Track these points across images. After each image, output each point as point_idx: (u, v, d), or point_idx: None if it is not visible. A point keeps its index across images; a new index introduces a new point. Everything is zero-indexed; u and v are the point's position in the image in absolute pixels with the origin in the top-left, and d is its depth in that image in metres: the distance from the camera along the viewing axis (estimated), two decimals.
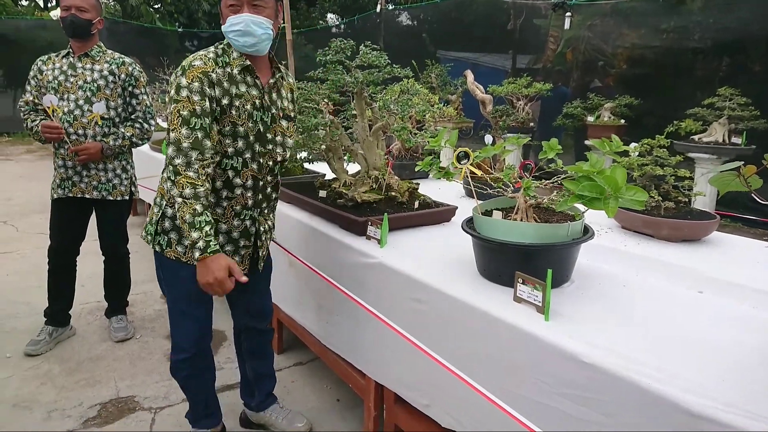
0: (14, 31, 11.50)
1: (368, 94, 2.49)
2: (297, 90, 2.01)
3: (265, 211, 1.95)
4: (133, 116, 2.79)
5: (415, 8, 10.05)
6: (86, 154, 2.61)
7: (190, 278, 1.77)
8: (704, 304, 1.50)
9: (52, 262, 2.83)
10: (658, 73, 5.95)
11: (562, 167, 1.62)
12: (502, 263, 1.53)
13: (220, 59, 1.69)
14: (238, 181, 1.77)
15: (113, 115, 2.70)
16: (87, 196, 2.72)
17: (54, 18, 13.66)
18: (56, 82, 2.63)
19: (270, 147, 1.81)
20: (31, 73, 2.70)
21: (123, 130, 2.72)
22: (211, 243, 1.59)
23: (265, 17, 1.67)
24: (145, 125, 2.80)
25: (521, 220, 1.56)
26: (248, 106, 1.72)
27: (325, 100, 2.55)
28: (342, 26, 13.17)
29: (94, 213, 2.86)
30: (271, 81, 1.80)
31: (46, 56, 2.73)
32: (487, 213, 1.67)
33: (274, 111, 1.81)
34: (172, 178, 1.59)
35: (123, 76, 2.71)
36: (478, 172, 1.67)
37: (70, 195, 2.71)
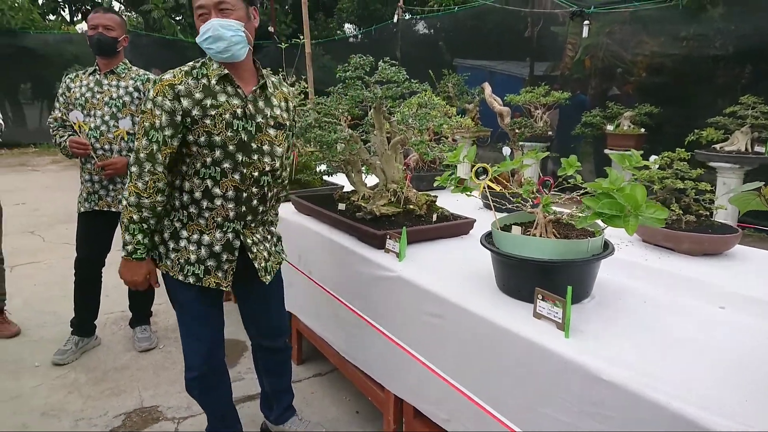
0: (42, 46, 11.85)
1: (386, 108, 2.52)
2: (295, 98, 1.97)
3: (252, 225, 1.87)
4: None
5: (432, 17, 10.10)
6: (112, 168, 2.68)
7: (190, 300, 1.84)
8: (726, 319, 1.48)
9: (79, 274, 2.91)
10: (678, 80, 5.88)
11: (581, 182, 1.62)
12: (521, 279, 1.53)
13: (197, 71, 1.70)
14: (217, 191, 1.74)
15: None
16: (113, 209, 2.79)
17: (79, 32, 14.04)
18: (83, 98, 2.71)
19: (255, 157, 1.75)
20: (60, 90, 2.79)
21: None
22: (139, 250, 1.74)
23: (234, 20, 1.65)
24: None
25: (540, 235, 1.57)
26: (227, 116, 1.69)
27: (345, 114, 2.59)
28: (359, 36, 13.29)
29: (119, 226, 2.94)
30: (256, 89, 1.76)
31: (74, 73, 2.82)
32: (506, 228, 1.68)
33: (260, 119, 1.76)
34: (126, 183, 1.72)
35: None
36: (497, 188, 1.68)
37: (97, 208, 2.78)
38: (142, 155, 1.67)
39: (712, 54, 5.61)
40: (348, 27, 15.55)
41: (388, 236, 2.07)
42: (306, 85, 3.49)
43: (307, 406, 2.53)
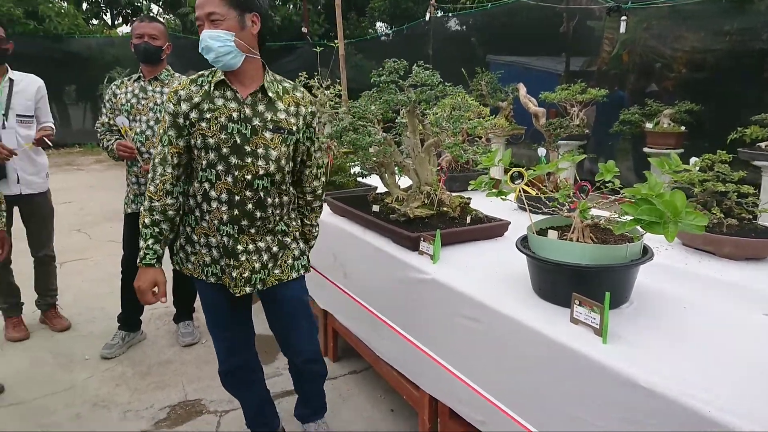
0: (86, 50, 12.31)
1: (420, 110, 2.54)
2: (311, 104, 1.87)
3: (251, 231, 1.83)
4: None
5: (465, 14, 10.03)
6: None
7: (212, 299, 1.92)
8: None
9: (125, 272, 3.04)
10: (720, 76, 5.68)
11: (619, 186, 1.61)
12: (557, 283, 1.54)
13: (202, 78, 1.78)
14: (213, 194, 1.77)
15: None
16: None
17: (120, 35, 14.51)
18: (129, 104, 2.84)
19: (249, 160, 1.75)
20: (106, 96, 2.92)
21: None
22: (147, 256, 1.80)
23: (223, 30, 1.67)
24: None
25: (577, 240, 1.57)
26: (222, 119, 1.73)
27: (378, 117, 2.62)
28: (390, 35, 13.30)
29: None
30: (255, 93, 1.77)
31: (119, 80, 2.95)
32: (542, 232, 1.68)
33: (256, 122, 1.75)
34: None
35: None
36: (532, 192, 1.69)
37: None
38: (156, 160, 1.79)
39: (758, 48, 5.40)
40: (380, 25, 15.58)
41: (422, 238, 2.09)
42: (340, 88, 3.53)
43: (343, 402, 2.59)
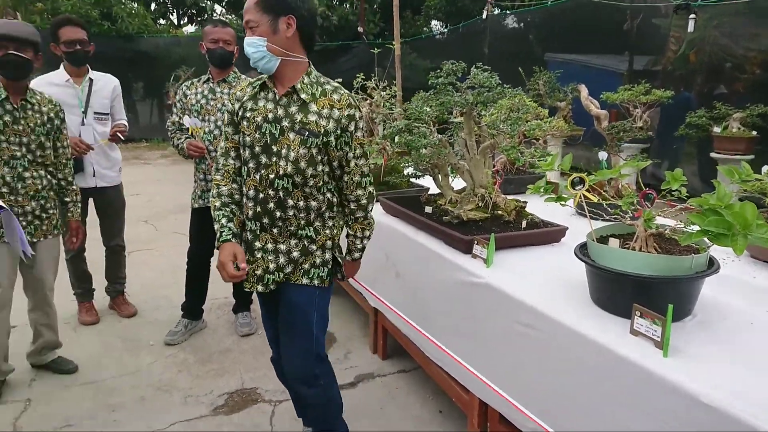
0: (154, 49, 12.92)
1: (477, 112, 2.54)
2: (349, 108, 1.77)
3: (274, 231, 1.84)
4: None
5: (523, 12, 9.84)
6: None
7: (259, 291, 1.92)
8: None
9: (191, 263, 3.20)
10: None
11: (686, 196, 1.56)
12: (618, 293, 1.51)
13: (256, 81, 1.87)
14: (244, 189, 1.87)
15: None
16: None
17: (186, 34, 15.14)
18: (198, 105, 2.98)
19: (273, 159, 1.77)
20: (177, 97, 3.08)
21: None
22: (223, 233, 1.83)
23: (257, 36, 1.72)
24: None
25: (640, 249, 1.53)
26: (259, 118, 1.79)
27: (433, 119, 2.63)
28: (445, 33, 13.22)
29: None
30: (289, 93, 1.78)
31: (189, 81, 3.10)
32: (602, 239, 1.65)
33: (285, 123, 1.76)
34: None
35: None
36: (594, 198, 1.66)
37: (209, 205, 3.05)
38: (219, 152, 1.94)
39: None
40: (435, 23, 15.51)
41: (476, 241, 2.09)
42: (396, 89, 3.57)
43: (392, 400, 2.63)
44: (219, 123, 2.95)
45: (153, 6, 15.89)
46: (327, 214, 1.88)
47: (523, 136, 3.00)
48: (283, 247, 1.85)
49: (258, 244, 1.87)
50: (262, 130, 1.79)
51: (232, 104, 1.88)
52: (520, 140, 2.78)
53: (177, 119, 3.06)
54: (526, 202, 2.46)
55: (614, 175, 1.73)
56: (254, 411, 2.53)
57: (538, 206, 2.56)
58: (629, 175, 1.88)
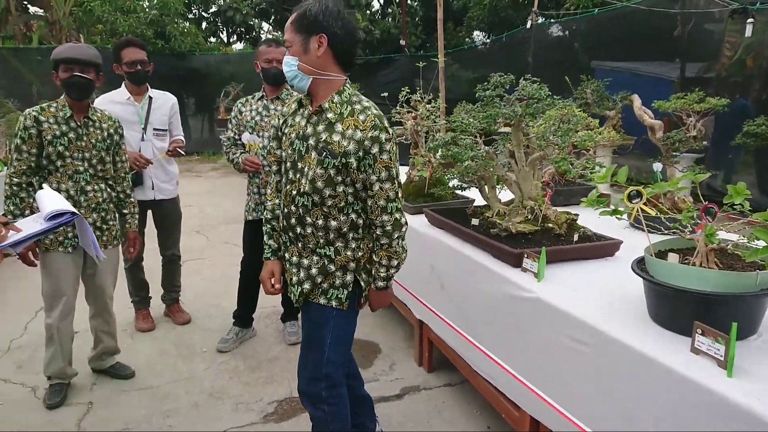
0: (205, 66, 13.46)
1: (525, 124, 2.52)
2: (373, 130, 1.71)
3: (299, 245, 1.87)
4: None
5: (569, 20, 9.70)
6: None
7: None
8: None
9: (243, 274, 3.31)
10: None
11: (749, 210, 1.50)
12: (677, 310, 1.47)
13: (297, 97, 1.91)
14: (278, 202, 1.96)
15: None
16: None
17: (235, 51, 15.68)
18: (253, 121, 3.09)
19: (297, 176, 1.80)
20: (233, 113, 3.20)
21: None
22: (265, 251, 2.01)
23: (291, 55, 1.75)
24: None
25: (701, 264, 1.48)
26: (293, 135, 1.84)
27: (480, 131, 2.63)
28: (488, 44, 13.16)
29: None
30: (319, 113, 1.78)
31: (244, 99, 3.22)
32: (660, 254, 1.61)
33: (311, 141, 1.77)
34: None
35: None
36: (651, 212, 1.62)
37: (262, 218, 3.14)
38: (272, 168, 2.01)
39: None
40: (477, 34, 15.47)
41: (526, 255, 2.07)
42: (440, 101, 3.59)
43: (438, 414, 2.61)
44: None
45: (204, 25, 16.56)
46: (351, 235, 1.83)
47: (573, 146, 2.95)
48: (305, 261, 1.87)
49: (287, 256, 1.96)
50: (294, 147, 1.83)
51: (278, 120, 1.95)
52: (569, 151, 2.73)
53: (233, 134, 3.17)
54: (577, 215, 2.42)
55: (672, 188, 1.68)
56: (303, 420, 2.57)
57: (589, 217, 2.51)
58: (687, 188, 1.82)
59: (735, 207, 1.57)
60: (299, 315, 3.48)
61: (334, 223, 1.79)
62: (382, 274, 1.84)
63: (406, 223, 1.84)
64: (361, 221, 1.83)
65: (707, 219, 1.46)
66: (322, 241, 1.82)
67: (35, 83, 11.62)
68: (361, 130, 1.70)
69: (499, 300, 2.11)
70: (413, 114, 3.52)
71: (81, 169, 2.61)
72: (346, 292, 1.86)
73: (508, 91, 2.50)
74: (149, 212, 3.48)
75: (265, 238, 2.01)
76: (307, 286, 1.86)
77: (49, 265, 2.58)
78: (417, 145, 3.55)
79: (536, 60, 9.52)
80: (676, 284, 1.43)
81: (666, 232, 1.60)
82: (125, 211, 2.86)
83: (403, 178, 3.51)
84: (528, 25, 9.79)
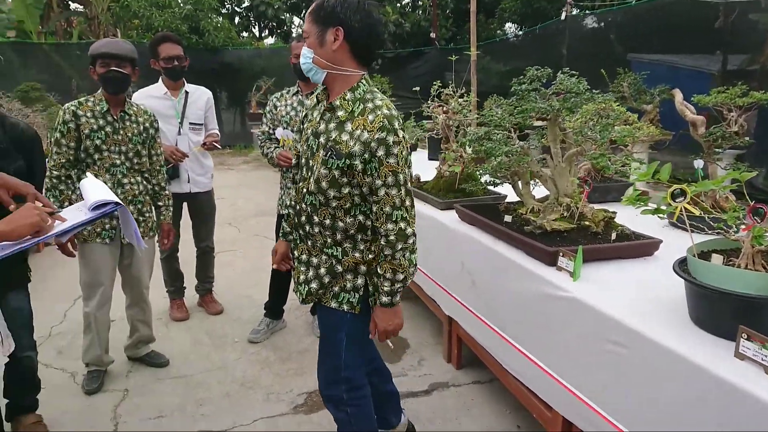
0: (237, 60, 13.63)
1: (562, 119, 2.46)
2: (380, 131, 1.61)
3: (308, 243, 1.84)
4: None
5: (604, 12, 9.44)
6: None
7: None
8: None
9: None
10: None
11: None
12: (721, 313, 1.41)
13: (320, 92, 1.82)
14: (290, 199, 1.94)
15: None
16: None
17: (267, 46, 15.83)
18: (288, 116, 3.11)
19: (308, 174, 1.76)
20: (267, 108, 3.23)
21: None
22: (280, 233, 2.06)
23: (307, 47, 1.69)
24: None
25: (746, 267, 1.43)
26: (309, 131, 1.77)
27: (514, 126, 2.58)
28: (520, 36, 12.93)
29: None
30: (331, 110, 1.71)
31: (279, 93, 3.24)
32: (702, 255, 1.55)
33: (321, 139, 1.71)
34: None
35: None
36: (695, 211, 1.56)
37: None
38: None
39: None
40: (509, 26, 15.22)
41: (561, 253, 2.03)
42: (472, 96, 3.54)
43: (468, 411, 2.60)
44: None
45: (237, 19, 16.76)
46: (359, 236, 1.76)
47: (610, 142, 2.87)
48: (314, 260, 1.82)
49: (296, 253, 1.92)
50: (308, 143, 1.78)
51: (303, 114, 1.93)
52: (607, 146, 2.66)
53: (267, 129, 3.20)
54: (615, 213, 2.35)
55: (717, 186, 1.62)
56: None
57: (627, 215, 2.44)
58: (732, 187, 1.75)
59: None
60: None
61: (341, 224, 1.73)
62: (386, 288, 1.71)
63: (414, 234, 1.70)
64: (369, 222, 1.75)
65: (755, 220, 1.40)
66: (329, 241, 1.77)
67: (75, 78, 11.97)
68: (368, 131, 1.61)
69: (532, 299, 2.08)
70: (444, 108, 3.49)
71: (117, 162, 2.67)
72: (357, 296, 1.79)
73: (544, 85, 2.44)
74: (185, 204, 3.55)
75: (283, 222, 2.07)
76: (314, 285, 1.81)
77: (88, 255, 2.66)
78: (448, 139, 3.52)
79: (571, 52, 9.30)
80: (721, 287, 1.37)
81: (709, 232, 1.55)
82: (160, 203, 2.93)
83: (433, 173, 3.48)
84: (562, 17, 9.59)
